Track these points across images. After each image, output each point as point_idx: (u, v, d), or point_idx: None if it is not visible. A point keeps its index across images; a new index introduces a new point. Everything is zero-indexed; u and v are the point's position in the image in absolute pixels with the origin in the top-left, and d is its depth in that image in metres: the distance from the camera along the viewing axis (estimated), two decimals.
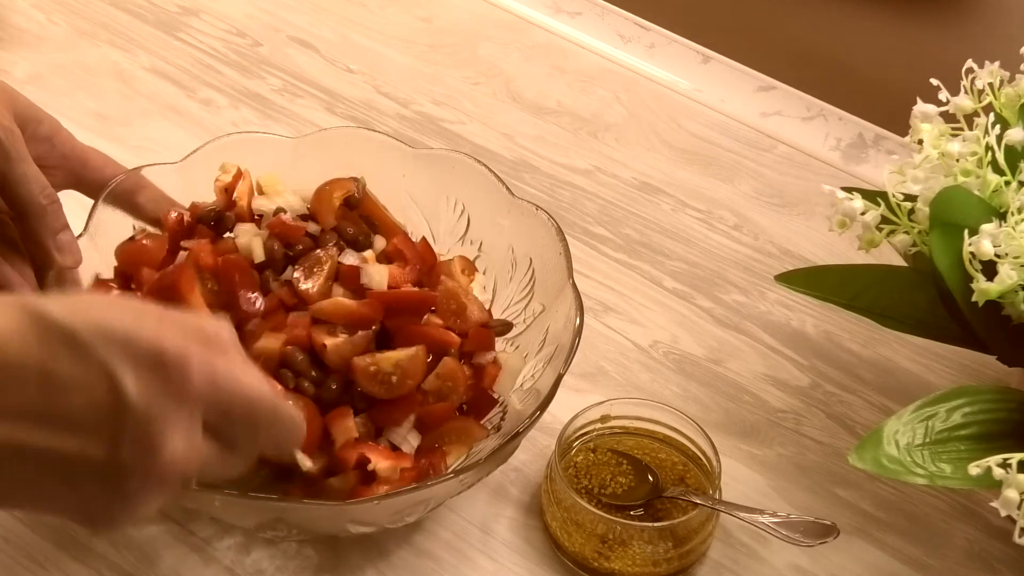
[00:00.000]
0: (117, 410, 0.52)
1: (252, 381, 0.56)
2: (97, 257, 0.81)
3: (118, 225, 0.82)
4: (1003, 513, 0.68)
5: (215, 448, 0.56)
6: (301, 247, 0.79)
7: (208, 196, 0.85)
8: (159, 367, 0.52)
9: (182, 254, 0.77)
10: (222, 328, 0.57)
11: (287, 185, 0.86)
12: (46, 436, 0.52)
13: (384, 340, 0.77)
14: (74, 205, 0.96)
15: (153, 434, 0.52)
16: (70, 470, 0.52)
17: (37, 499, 0.54)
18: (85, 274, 0.79)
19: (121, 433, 0.52)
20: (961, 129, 0.79)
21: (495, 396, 0.81)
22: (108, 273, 0.81)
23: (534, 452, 0.84)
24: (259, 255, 0.78)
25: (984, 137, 0.77)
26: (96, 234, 0.81)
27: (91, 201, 0.82)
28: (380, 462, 0.74)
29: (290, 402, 0.59)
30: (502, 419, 0.80)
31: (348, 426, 0.74)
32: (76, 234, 0.80)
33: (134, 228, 0.83)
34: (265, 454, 0.60)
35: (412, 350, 0.76)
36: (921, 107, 0.80)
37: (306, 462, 0.69)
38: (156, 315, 0.55)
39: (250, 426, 0.57)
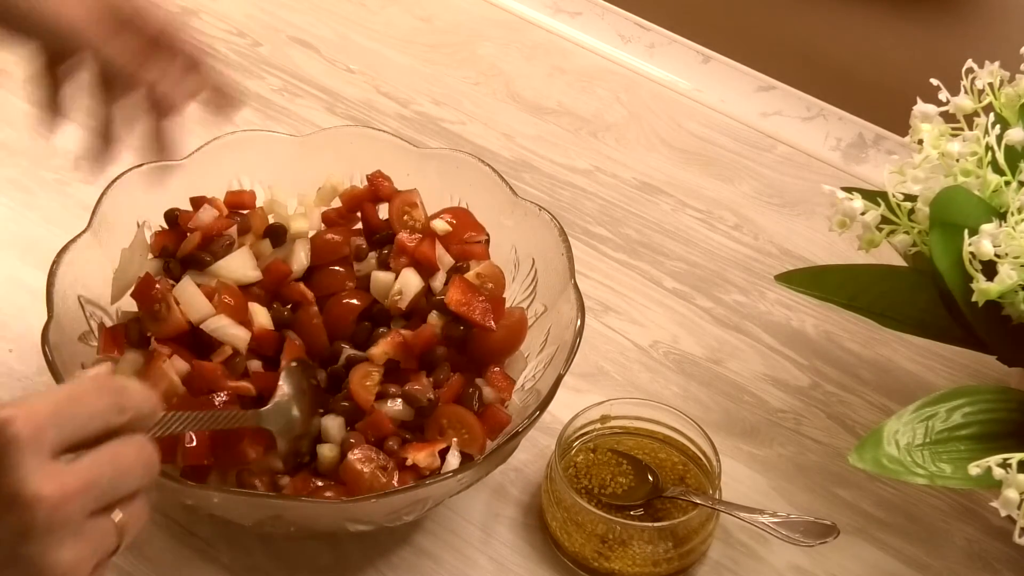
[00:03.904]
0: None
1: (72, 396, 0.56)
2: (102, 253, 0.81)
3: (121, 224, 0.83)
4: (1003, 513, 0.68)
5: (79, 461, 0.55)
6: None
7: (210, 194, 0.85)
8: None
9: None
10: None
11: (291, 187, 0.87)
12: None
13: None
14: (75, 204, 0.96)
15: (7, 489, 0.53)
16: None
17: None
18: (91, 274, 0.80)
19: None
20: (961, 129, 0.79)
21: None
22: (109, 272, 0.81)
23: (534, 452, 0.84)
24: None
25: (984, 137, 0.77)
26: (100, 230, 0.81)
27: (92, 199, 0.82)
28: (416, 454, 0.75)
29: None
30: None
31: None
32: (79, 231, 0.80)
33: (138, 225, 0.83)
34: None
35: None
36: (921, 107, 0.80)
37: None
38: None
39: (86, 426, 0.56)
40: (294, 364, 0.78)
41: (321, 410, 0.78)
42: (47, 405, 0.54)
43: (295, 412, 0.76)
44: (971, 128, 0.78)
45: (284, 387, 0.76)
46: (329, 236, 0.85)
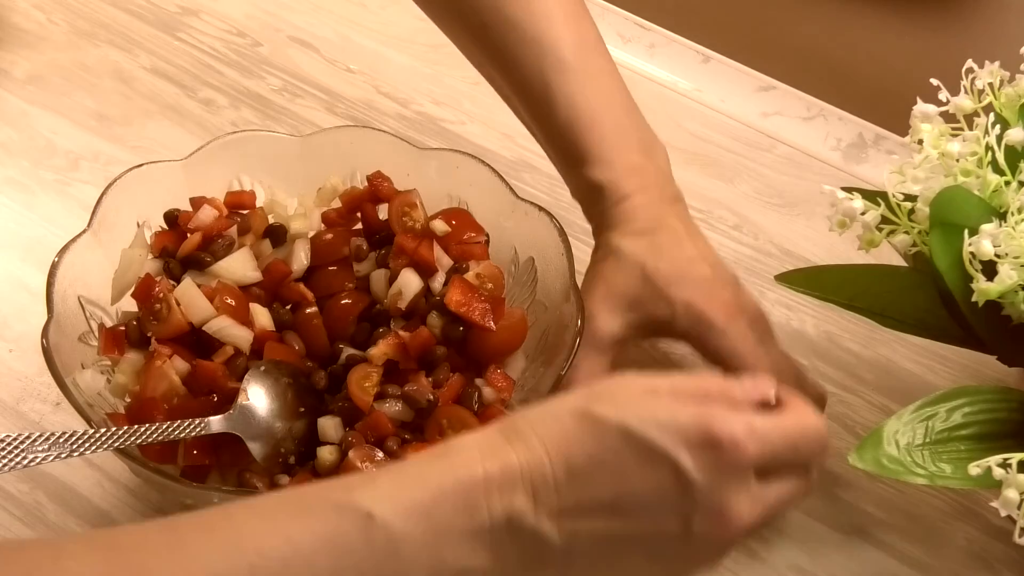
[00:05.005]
0: (683, 490, 0.57)
1: (782, 420, 0.61)
2: (102, 253, 0.81)
3: (121, 224, 0.83)
4: (1003, 513, 0.68)
5: (773, 488, 0.60)
6: None
7: (209, 194, 0.85)
8: (712, 446, 0.57)
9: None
10: (730, 384, 0.62)
11: (291, 187, 0.87)
12: (623, 523, 0.58)
13: None
14: (75, 204, 0.96)
15: (719, 504, 0.58)
16: (649, 546, 0.58)
17: (635, 573, 0.60)
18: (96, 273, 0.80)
19: (691, 509, 0.58)
20: (961, 129, 0.79)
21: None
22: (109, 272, 0.82)
23: None
24: None
25: (984, 137, 0.77)
26: (100, 230, 0.81)
27: (92, 199, 0.82)
28: (416, 454, 0.75)
29: (808, 411, 0.63)
30: None
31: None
32: (79, 231, 0.80)
33: (138, 225, 0.83)
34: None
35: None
36: (921, 107, 0.80)
37: None
38: (687, 394, 0.60)
39: (793, 455, 0.61)
40: (262, 367, 0.78)
41: (302, 409, 0.78)
42: (778, 438, 0.60)
43: (262, 415, 0.76)
44: (971, 128, 0.78)
45: (247, 391, 0.76)
46: (329, 236, 0.85)
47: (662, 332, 0.82)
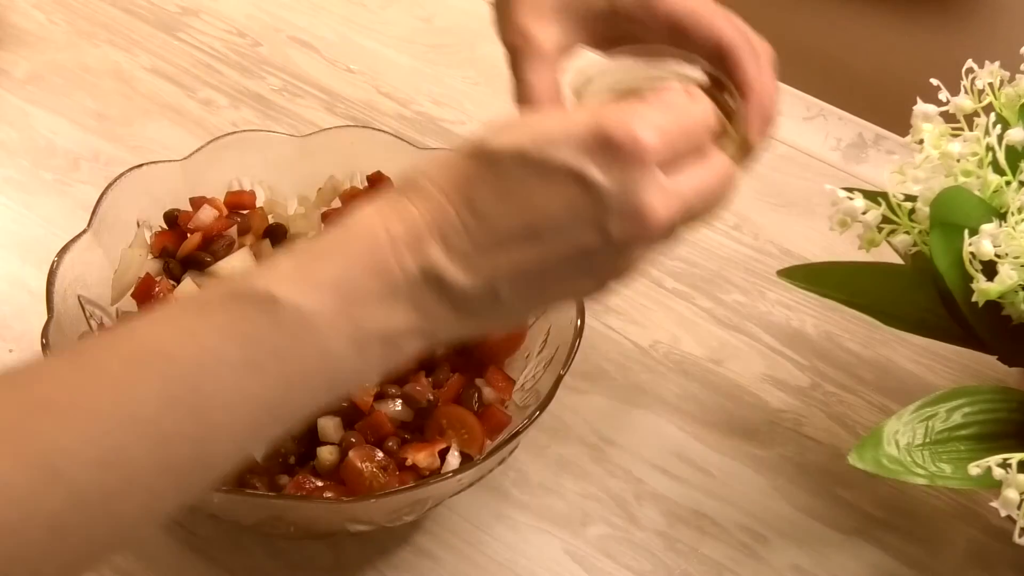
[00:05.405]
0: (593, 198, 0.56)
1: (660, 108, 0.59)
2: (102, 253, 0.81)
3: (121, 224, 0.83)
4: (1003, 513, 0.68)
5: (683, 179, 0.59)
6: None
7: (210, 194, 0.85)
8: (609, 147, 0.56)
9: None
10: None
11: (291, 187, 0.87)
12: (542, 248, 0.57)
13: None
14: (75, 204, 0.96)
15: (631, 203, 0.57)
16: (573, 264, 0.58)
17: (565, 295, 0.61)
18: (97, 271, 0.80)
19: (605, 216, 0.57)
20: (961, 129, 0.79)
21: None
22: (109, 272, 0.81)
23: (534, 452, 0.84)
24: None
25: (985, 137, 0.77)
26: (100, 230, 0.81)
27: (92, 199, 0.82)
28: (416, 454, 0.75)
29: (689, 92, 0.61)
30: None
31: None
32: (79, 231, 0.80)
33: (138, 225, 0.83)
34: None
35: None
36: (921, 107, 0.80)
37: None
38: (576, 112, 0.59)
39: (686, 141, 0.60)
40: None
41: None
42: (667, 123, 0.58)
43: None
44: (971, 128, 0.78)
45: None
46: None
47: (607, 23, 0.76)
